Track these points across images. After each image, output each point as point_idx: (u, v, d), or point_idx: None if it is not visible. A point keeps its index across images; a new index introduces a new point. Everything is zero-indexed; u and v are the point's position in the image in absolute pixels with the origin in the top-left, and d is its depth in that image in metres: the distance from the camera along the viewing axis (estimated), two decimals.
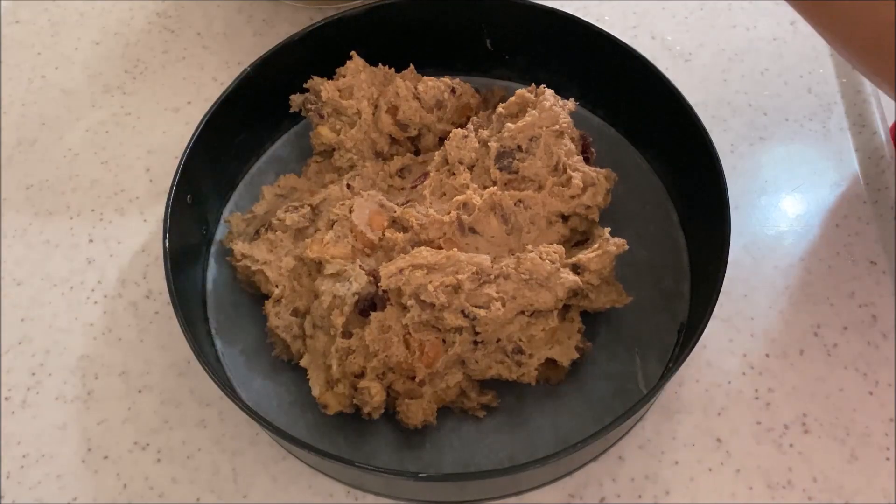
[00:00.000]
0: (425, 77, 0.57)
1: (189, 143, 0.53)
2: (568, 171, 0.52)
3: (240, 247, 0.53)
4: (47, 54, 0.70)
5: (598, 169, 0.53)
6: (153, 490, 0.51)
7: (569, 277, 0.49)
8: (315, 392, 0.49)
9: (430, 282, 0.47)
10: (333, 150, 0.57)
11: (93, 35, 0.71)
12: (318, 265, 0.51)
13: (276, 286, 0.52)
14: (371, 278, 0.49)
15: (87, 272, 0.59)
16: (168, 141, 0.64)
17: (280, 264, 0.53)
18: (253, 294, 0.54)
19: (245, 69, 0.56)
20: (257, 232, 0.54)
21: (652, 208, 0.56)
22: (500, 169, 0.52)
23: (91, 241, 0.60)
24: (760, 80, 0.65)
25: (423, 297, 0.47)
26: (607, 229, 0.51)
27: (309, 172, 0.58)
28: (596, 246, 0.50)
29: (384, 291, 0.48)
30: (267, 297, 0.53)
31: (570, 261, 0.50)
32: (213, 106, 0.54)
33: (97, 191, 0.62)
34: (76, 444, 0.53)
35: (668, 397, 0.52)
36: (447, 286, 0.48)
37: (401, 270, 0.48)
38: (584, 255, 0.50)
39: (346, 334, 0.49)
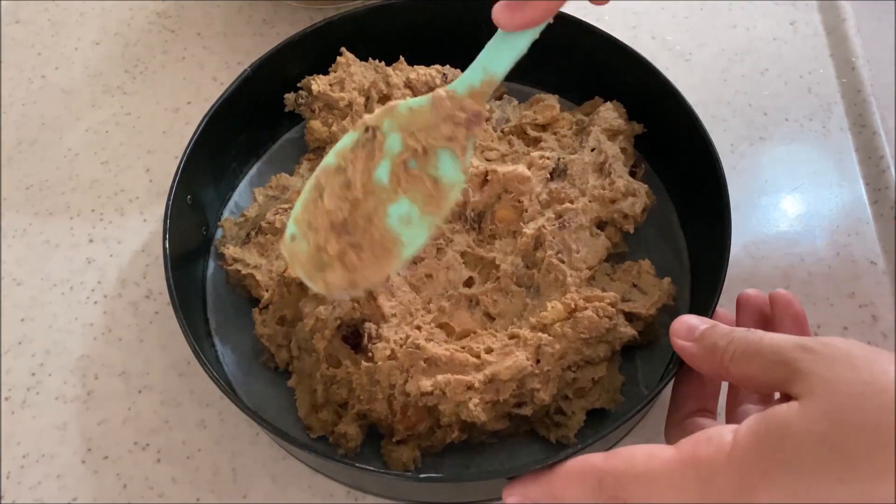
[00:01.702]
0: (416, 66, 0.57)
1: (189, 143, 0.53)
2: (612, 175, 0.52)
3: (231, 251, 0.53)
4: (47, 54, 0.70)
5: (641, 183, 0.53)
6: (153, 490, 0.51)
7: (627, 332, 0.47)
8: (301, 413, 0.49)
9: (470, 398, 0.44)
10: (327, 145, 0.57)
11: (93, 35, 0.71)
12: (301, 284, 0.49)
13: (266, 290, 0.52)
14: (355, 304, 0.47)
15: (87, 272, 0.59)
16: (168, 141, 0.64)
17: (271, 268, 0.52)
18: (250, 296, 0.54)
19: (245, 69, 0.56)
20: (248, 235, 0.54)
21: (652, 209, 0.56)
22: (551, 178, 0.51)
23: (91, 241, 0.60)
24: (760, 80, 0.65)
25: (463, 416, 0.44)
26: (653, 269, 0.51)
27: (301, 170, 0.58)
28: (656, 298, 0.49)
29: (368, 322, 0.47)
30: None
31: (622, 307, 0.48)
32: (213, 106, 0.54)
33: (97, 191, 0.62)
34: (76, 444, 0.53)
35: (669, 398, 0.52)
36: (487, 403, 0.45)
37: (436, 389, 0.44)
38: (643, 309, 0.49)
39: (333, 361, 0.48)
